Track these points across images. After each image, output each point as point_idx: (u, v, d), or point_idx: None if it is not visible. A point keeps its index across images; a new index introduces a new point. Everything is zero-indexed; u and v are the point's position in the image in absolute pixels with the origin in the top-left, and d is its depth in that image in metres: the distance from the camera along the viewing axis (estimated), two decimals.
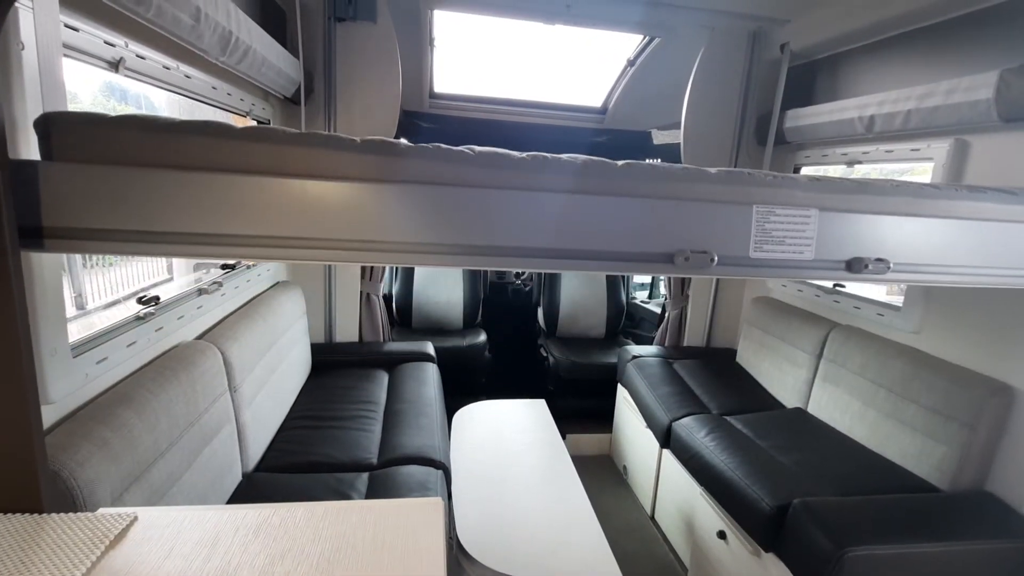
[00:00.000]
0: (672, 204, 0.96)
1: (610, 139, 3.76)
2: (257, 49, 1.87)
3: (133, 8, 1.19)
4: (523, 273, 4.64)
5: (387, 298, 4.02)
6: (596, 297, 4.14)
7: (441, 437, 2.26)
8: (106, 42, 1.25)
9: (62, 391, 1.14)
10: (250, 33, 1.79)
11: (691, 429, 2.48)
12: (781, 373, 2.84)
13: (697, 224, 0.97)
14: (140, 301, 1.53)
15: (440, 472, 1.97)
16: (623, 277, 4.29)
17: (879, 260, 1.05)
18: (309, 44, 2.60)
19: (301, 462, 1.97)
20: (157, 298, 1.57)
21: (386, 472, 1.91)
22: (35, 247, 0.82)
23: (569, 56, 3.56)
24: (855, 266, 1.05)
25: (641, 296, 4.62)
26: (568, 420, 3.65)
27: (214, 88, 1.86)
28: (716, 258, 0.97)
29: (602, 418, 3.54)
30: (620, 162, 0.97)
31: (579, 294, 4.12)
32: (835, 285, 2.73)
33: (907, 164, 2.47)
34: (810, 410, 2.62)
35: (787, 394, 2.78)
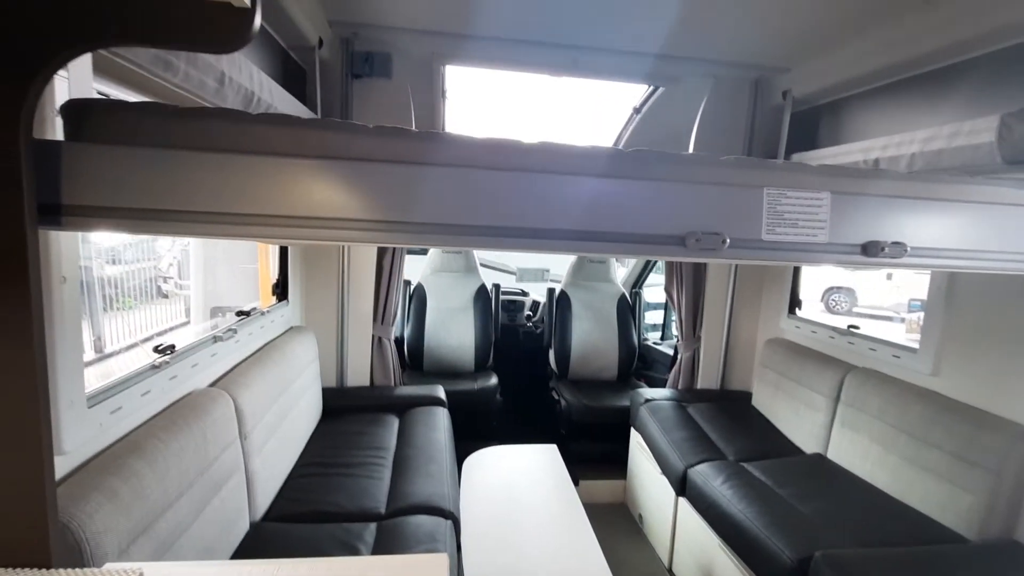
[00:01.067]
0: (682, 187, 0.95)
1: None
2: (278, 107, 1.97)
3: (161, 74, 1.27)
4: (534, 315, 4.65)
5: (399, 341, 4.04)
6: (607, 338, 4.12)
7: (451, 484, 2.23)
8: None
9: (76, 442, 1.16)
10: (271, 92, 1.88)
11: (707, 476, 2.41)
12: (798, 417, 2.77)
13: (708, 206, 0.96)
14: (156, 350, 1.56)
15: (449, 522, 1.93)
16: (634, 317, 4.27)
17: (896, 244, 1.02)
18: (328, 100, 2.73)
19: (309, 511, 1.94)
20: (173, 347, 1.61)
21: (394, 522, 1.88)
22: (53, 224, 0.82)
23: (577, 103, 3.68)
24: (871, 249, 1.02)
25: (653, 337, 4.59)
26: (581, 465, 3.57)
27: None
28: (728, 240, 0.95)
29: (616, 463, 3.46)
30: (630, 149, 0.97)
31: (590, 336, 4.11)
32: (849, 326, 2.70)
33: None
34: (830, 456, 2.54)
35: (805, 439, 2.70)
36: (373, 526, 1.85)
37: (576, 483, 3.37)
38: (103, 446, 1.27)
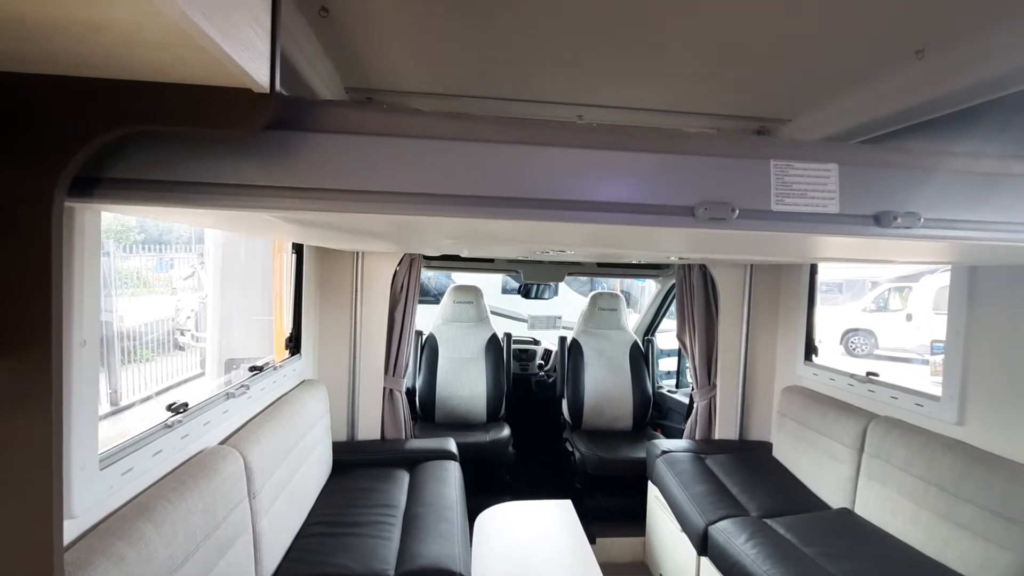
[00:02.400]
0: (690, 159, 0.94)
1: None
2: None
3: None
4: (546, 364, 4.61)
5: (410, 392, 4.02)
6: (621, 387, 4.06)
7: (462, 544, 2.16)
8: None
9: (86, 505, 1.16)
10: None
11: (729, 534, 2.31)
12: (822, 469, 2.67)
13: (716, 177, 0.95)
14: (170, 408, 1.58)
15: None
16: (647, 364, 4.22)
17: (909, 213, 0.99)
18: None
19: (315, 574, 1.89)
20: (186, 405, 1.62)
21: None
22: (85, 196, 0.84)
23: None
24: (884, 220, 0.99)
25: (668, 385, 4.51)
26: (598, 521, 3.45)
27: None
28: (737, 211, 0.94)
29: (634, 519, 3.33)
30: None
31: (603, 384, 4.05)
32: (868, 373, 2.64)
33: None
34: (857, 510, 2.43)
35: (830, 492, 2.60)
36: None
37: (593, 541, 3.25)
38: (113, 508, 1.26)
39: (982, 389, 2.06)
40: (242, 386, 1.98)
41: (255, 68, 0.74)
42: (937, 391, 2.25)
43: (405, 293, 3.19)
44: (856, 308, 12.00)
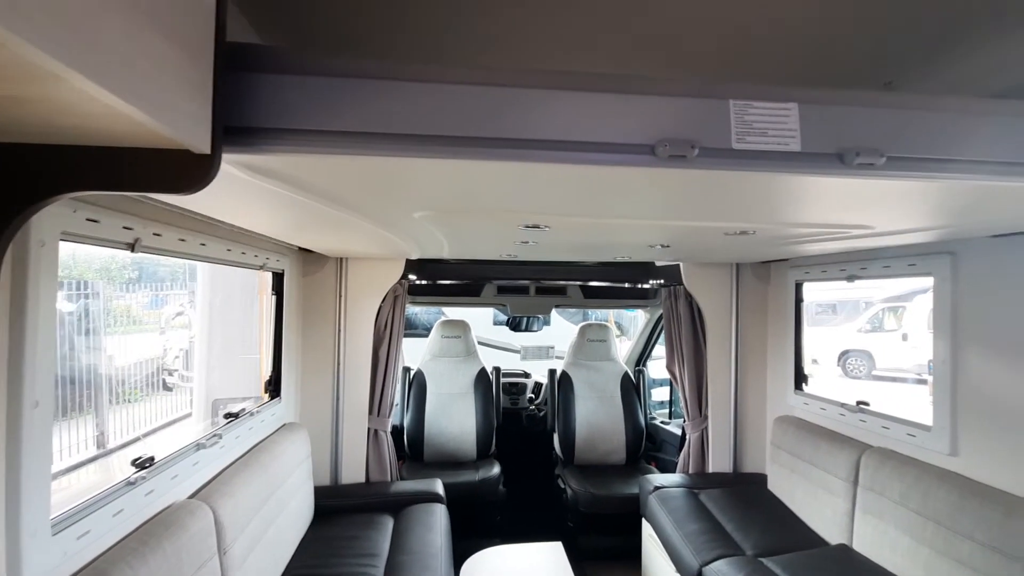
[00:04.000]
0: (649, 99, 0.92)
1: (618, 263, 3.83)
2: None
3: (151, 198, 1.34)
4: (536, 397, 4.55)
5: (398, 431, 3.94)
6: (613, 420, 3.99)
7: None
8: (124, 227, 1.39)
9: (37, 574, 1.10)
10: None
11: (724, 575, 2.23)
12: (817, 503, 2.61)
13: (676, 116, 0.93)
14: (134, 464, 1.52)
15: None
16: (639, 395, 4.16)
17: (871, 149, 0.97)
18: None
19: None
20: (152, 459, 1.57)
21: None
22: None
23: None
24: (846, 158, 0.97)
25: (662, 415, 4.44)
26: (592, 562, 3.35)
27: (228, 250, 2.01)
28: (698, 149, 0.92)
29: (629, 558, 3.23)
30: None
31: (595, 417, 3.99)
32: (858, 402, 2.60)
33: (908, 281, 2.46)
34: (855, 546, 2.36)
35: (827, 527, 2.52)
36: None
37: None
38: (68, 575, 1.20)
39: (973, 417, 2.02)
40: (214, 436, 1.93)
41: (194, 136, 0.73)
42: (925, 425, 2.21)
43: (389, 330, 3.15)
44: (852, 329, 11.99)
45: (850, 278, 2.63)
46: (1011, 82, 1.44)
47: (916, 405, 2.41)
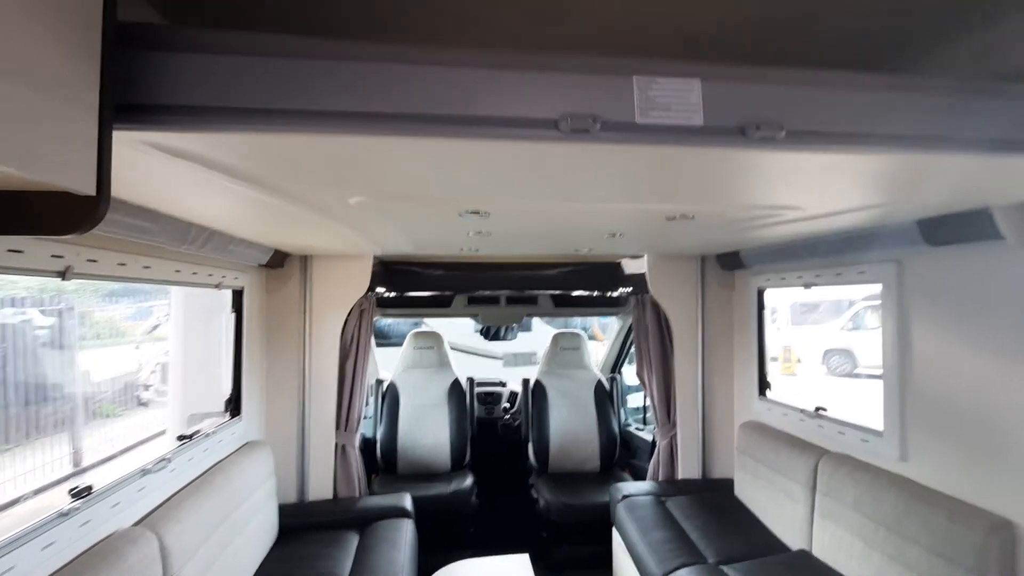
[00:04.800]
0: (552, 75, 0.94)
1: (586, 272, 3.86)
2: (222, 232, 2.03)
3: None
4: (512, 407, 4.54)
5: (371, 444, 3.92)
6: (587, 428, 4.00)
7: None
8: (53, 255, 1.38)
9: None
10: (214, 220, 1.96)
11: None
12: (779, 508, 2.63)
13: (579, 92, 0.94)
14: (71, 493, 1.50)
15: None
16: (612, 403, 4.18)
17: (770, 123, 0.99)
18: None
19: None
20: (90, 488, 1.55)
21: None
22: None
23: None
24: (747, 131, 0.98)
25: (638, 421, 4.46)
26: (565, 571, 3.34)
27: (177, 271, 2.00)
28: (600, 124, 0.93)
29: (601, 567, 3.23)
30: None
31: (569, 425, 3.99)
32: (816, 408, 2.63)
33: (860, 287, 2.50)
34: (815, 552, 2.38)
35: (788, 533, 2.55)
36: None
37: None
38: None
39: (922, 423, 2.06)
40: (162, 460, 1.91)
41: (76, 181, 0.72)
42: (877, 430, 2.24)
43: (356, 344, 3.14)
44: (836, 327, 12.11)
45: (807, 285, 2.66)
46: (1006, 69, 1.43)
47: (862, 418, 2.43)
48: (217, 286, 2.36)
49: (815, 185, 1.42)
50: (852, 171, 1.27)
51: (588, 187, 1.43)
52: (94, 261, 1.53)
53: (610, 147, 0.98)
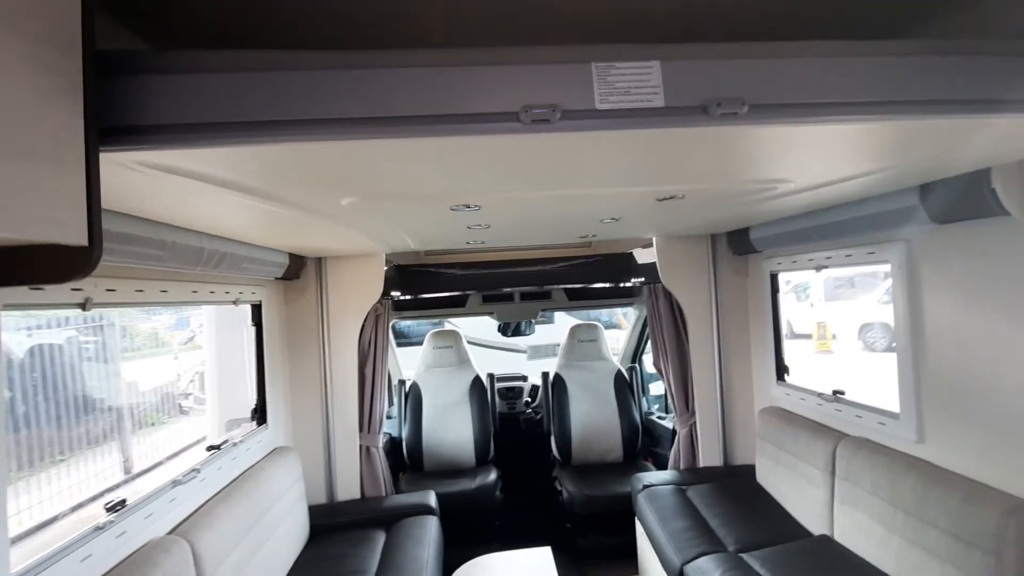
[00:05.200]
0: (511, 68, 0.96)
1: (598, 264, 3.87)
2: (234, 252, 2.12)
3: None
4: (533, 401, 4.59)
5: (397, 443, 4.03)
6: (608, 419, 4.02)
7: None
8: (73, 288, 1.48)
9: None
10: (224, 242, 2.05)
11: (704, 573, 2.26)
12: (800, 494, 2.61)
13: (539, 84, 0.96)
14: (106, 507, 1.62)
15: None
16: (633, 392, 4.18)
17: (732, 99, 0.99)
18: None
19: None
20: (124, 502, 1.66)
21: None
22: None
23: None
24: (709, 109, 0.99)
25: (660, 410, 4.45)
26: (591, 562, 3.40)
27: (194, 292, 2.10)
28: (561, 112, 0.95)
29: (627, 556, 3.26)
30: None
31: (590, 417, 4.02)
32: (834, 391, 2.59)
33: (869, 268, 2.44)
34: (837, 537, 2.36)
35: (810, 518, 2.53)
36: None
37: None
38: None
39: (938, 404, 2.01)
40: (192, 471, 2.02)
41: (69, 236, 0.79)
42: (894, 412, 2.20)
43: (373, 348, 3.23)
44: (872, 300, 11.74)
45: (818, 268, 2.62)
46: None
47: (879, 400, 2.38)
48: (235, 302, 2.47)
49: (799, 157, 1.41)
50: (830, 141, 1.25)
51: (567, 175, 1.45)
52: (112, 290, 1.63)
53: (575, 135, 1.00)
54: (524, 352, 7.81)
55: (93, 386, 5.92)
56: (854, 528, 2.25)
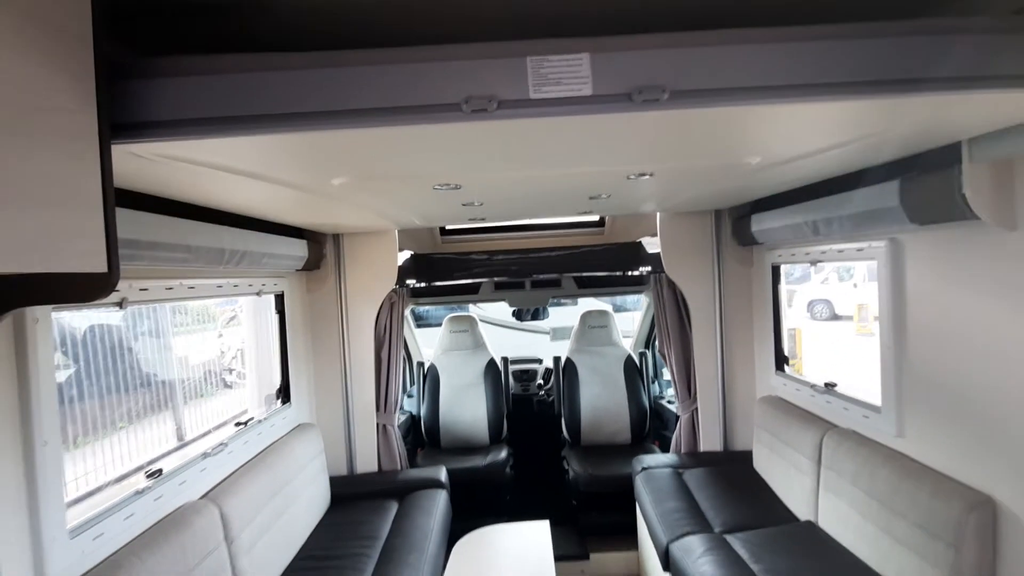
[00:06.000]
0: (452, 64, 1.09)
1: (609, 252, 3.95)
2: (254, 250, 2.34)
3: (129, 261, 1.64)
4: (546, 383, 4.76)
5: (416, 420, 4.29)
6: (617, 402, 4.15)
7: (430, 572, 2.38)
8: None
9: (59, 568, 1.45)
10: (245, 241, 2.27)
11: (687, 551, 2.41)
12: (789, 481, 2.70)
13: (478, 77, 1.08)
14: (146, 475, 1.89)
15: None
16: (642, 377, 4.29)
17: (653, 87, 1.08)
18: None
19: None
20: (160, 471, 1.93)
21: None
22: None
23: None
24: (633, 96, 1.08)
25: (669, 393, 4.54)
26: (593, 537, 3.58)
27: (219, 286, 2.34)
28: (498, 102, 1.07)
29: (627, 533, 3.43)
30: None
31: (599, 400, 4.16)
32: (826, 384, 2.65)
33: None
34: (821, 523, 2.45)
35: (797, 504, 2.62)
36: None
37: (587, 557, 3.39)
38: (88, 568, 1.56)
39: (917, 400, 2.06)
40: (220, 444, 2.29)
41: (88, 263, 0.99)
42: (877, 406, 2.25)
43: (389, 334, 3.45)
44: None
45: (813, 262, 2.65)
46: None
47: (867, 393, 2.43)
48: (258, 294, 2.71)
49: (751, 136, 1.49)
50: (771, 120, 1.32)
51: (524, 157, 1.57)
52: (145, 290, 1.87)
53: (512, 122, 1.13)
54: (547, 333, 7.97)
55: (147, 360, 6.44)
56: (836, 516, 2.33)
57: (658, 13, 1.28)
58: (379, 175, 1.73)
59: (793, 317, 12.08)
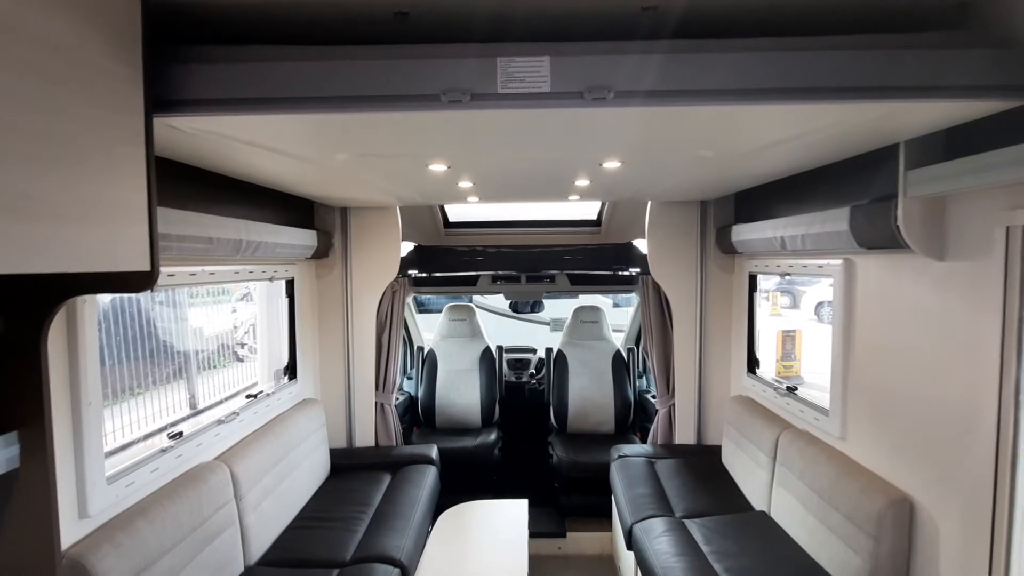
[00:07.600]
0: (434, 61, 1.30)
1: (604, 251, 4.17)
2: (268, 240, 2.59)
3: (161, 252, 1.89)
4: (538, 373, 5.00)
5: (414, 401, 4.56)
6: (603, 394, 4.39)
7: (413, 538, 2.65)
8: None
9: (98, 508, 1.73)
10: (260, 232, 2.51)
11: (647, 532, 2.65)
12: (749, 474, 2.93)
13: (455, 73, 1.29)
14: (168, 436, 2.17)
15: (397, 570, 2.36)
16: (629, 372, 4.51)
17: (600, 87, 1.27)
18: (329, 217, 3.41)
19: (292, 559, 2.45)
20: (181, 433, 2.21)
21: (353, 569, 2.34)
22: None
23: None
24: (584, 95, 1.28)
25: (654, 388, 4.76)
26: (571, 518, 3.84)
27: (236, 272, 2.60)
28: (471, 95, 1.28)
29: (603, 515, 3.69)
30: None
31: (586, 391, 4.40)
32: (788, 387, 2.86)
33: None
34: (772, 514, 2.68)
35: (754, 496, 2.85)
36: (335, 572, 2.33)
37: (564, 535, 3.66)
38: (120, 510, 1.84)
39: (859, 407, 2.27)
40: (232, 413, 2.56)
41: (136, 264, 1.23)
42: (825, 409, 2.46)
43: (390, 320, 3.71)
44: None
45: (783, 275, 2.84)
46: None
47: (819, 398, 2.65)
48: (271, 279, 2.97)
49: (700, 133, 1.71)
50: (713, 120, 1.53)
51: (496, 143, 1.80)
52: (172, 275, 2.12)
53: (482, 112, 1.35)
54: (547, 324, 8.21)
55: (165, 329, 6.78)
56: (785, 507, 2.56)
57: (614, 23, 1.44)
58: (373, 154, 1.99)
59: (795, 319, 12.14)
